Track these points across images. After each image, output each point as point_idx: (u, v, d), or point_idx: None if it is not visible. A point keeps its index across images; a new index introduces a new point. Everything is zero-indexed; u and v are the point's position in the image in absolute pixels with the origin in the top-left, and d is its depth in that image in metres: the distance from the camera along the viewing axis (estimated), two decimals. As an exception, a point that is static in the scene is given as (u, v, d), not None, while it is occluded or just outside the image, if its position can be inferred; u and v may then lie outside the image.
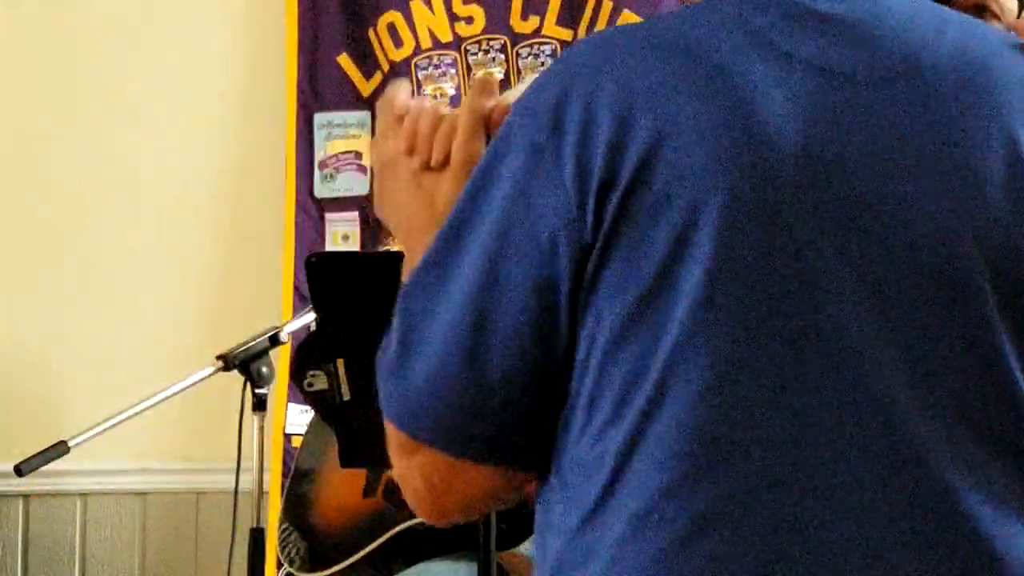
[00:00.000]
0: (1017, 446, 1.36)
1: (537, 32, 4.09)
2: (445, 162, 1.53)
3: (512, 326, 1.34)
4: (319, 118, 4.19)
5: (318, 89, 4.19)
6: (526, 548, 2.92)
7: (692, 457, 1.30)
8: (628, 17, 4.00)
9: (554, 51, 4.08)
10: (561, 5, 4.06)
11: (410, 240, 1.53)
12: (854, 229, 1.32)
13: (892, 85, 1.36)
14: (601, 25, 4.02)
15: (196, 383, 2.94)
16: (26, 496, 4.08)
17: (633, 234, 1.31)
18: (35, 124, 4.21)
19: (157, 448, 4.05)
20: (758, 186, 1.31)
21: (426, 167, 1.53)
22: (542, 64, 4.07)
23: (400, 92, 1.57)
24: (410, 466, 1.41)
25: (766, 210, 1.31)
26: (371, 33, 4.16)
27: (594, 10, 4.03)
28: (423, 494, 1.42)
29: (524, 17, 4.10)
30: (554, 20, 4.07)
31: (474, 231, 1.36)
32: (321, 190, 4.18)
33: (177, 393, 3.06)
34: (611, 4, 4.02)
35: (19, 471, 3.17)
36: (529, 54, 4.10)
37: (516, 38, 4.11)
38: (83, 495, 4.05)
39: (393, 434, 1.41)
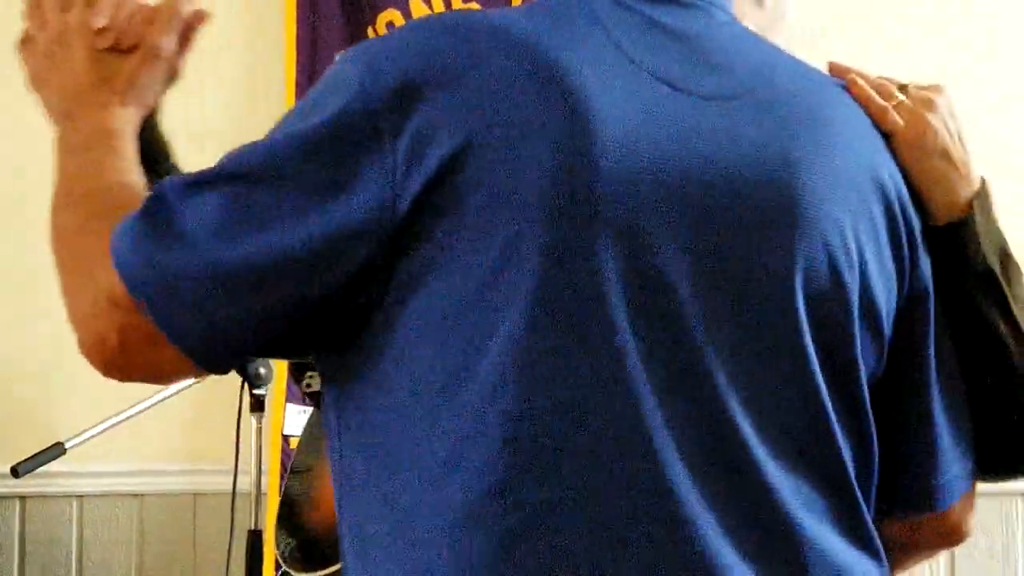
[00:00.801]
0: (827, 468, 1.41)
1: (537, 31, 4.06)
2: (134, 48, 1.59)
3: (303, 249, 1.32)
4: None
5: (317, 87, 4.16)
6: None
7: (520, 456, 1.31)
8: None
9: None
10: (561, 3, 4.04)
11: (75, 108, 1.56)
12: (701, 247, 1.35)
13: (732, 104, 1.40)
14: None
15: (193, 384, 2.92)
16: (23, 498, 4.06)
17: (468, 226, 1.31)
18: (28, 120, 4.17)
19: (155, 449, 4.03)
20: (587, 199, 1.31)
21: (113, 48, 1.59)
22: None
23: None
24: (108, 317, 1.39)
25: (592, 229, 1.31)
26: (370, 31, 4.14)
27: (595, 9, 4.01)
28: (112, 347, 1.40)
29: (524, 16, 4.07)
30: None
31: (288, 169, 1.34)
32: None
33: (174, 395, 3.04)
34: (612, 3, 3.99)
35: (15, 472, 3.16)
36: (529, 53, 4.07)
37: (516, 37, 4.08)
38: (80, 496, 4.03)
39: (106, 279, 1.38)
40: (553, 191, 1.31)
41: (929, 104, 1.58)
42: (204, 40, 4.49)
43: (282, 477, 3.71)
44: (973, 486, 1.56)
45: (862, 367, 1.43)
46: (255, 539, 2.81)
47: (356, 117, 1.34)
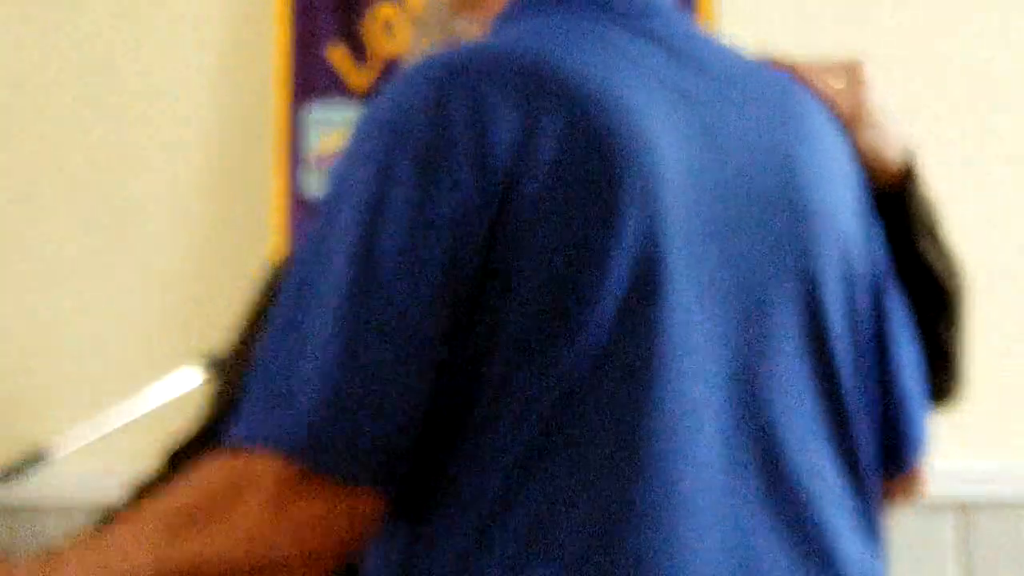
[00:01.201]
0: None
1: (537, 27, 4.02)
2: None
3: (408, 338, 1.29)
4: (309, 111, 4.13)
5: (308, 82, 4.14)
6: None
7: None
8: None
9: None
10: (562, -3, 3.99)
11: None
12: (728, 245, 1.40)
13: (736, 107, 1.46)
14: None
15: (187, 390, 2.90)
16: (13, 511, 3.99)
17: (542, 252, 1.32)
18: (8, 113, 4.15)
19: (145, 455, 3.96)
20: (656, 217, 1.35)
21: None
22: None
23: None
24: (301, 507, 1.28)
25: (664, 242, 1.35)
26: (364, 25, 4.13)
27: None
28: (344, 535, 1.30)
29: (524, 12, 4.02)
30: (555, 13, 4.00)
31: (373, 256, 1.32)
32: (312, 186, 4.13)
33: (164, 403, 3.01)
34: None
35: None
36: (528, 49, 4.03)
37: (514, 32, 4.03)
38: (65, 509, 3.96)
39: (270, 469, 1.27)
40: (615, 211, 1.33)
41: (857, 82, 1.65)
42: (193, 32, 4.46)
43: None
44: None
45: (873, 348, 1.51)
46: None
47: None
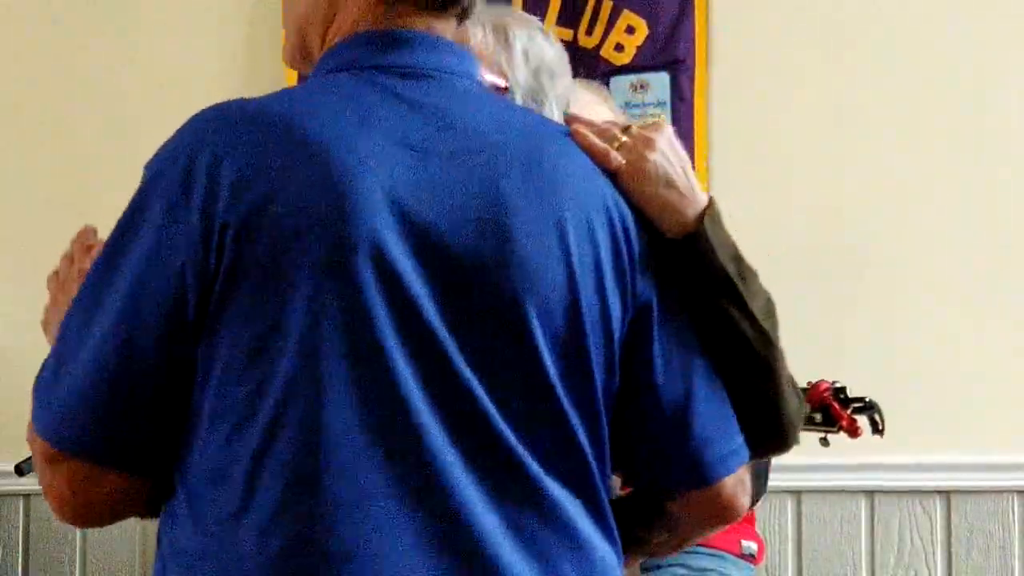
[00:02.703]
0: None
1: (537, 32, 4.10)
2: None
3: (146, 346, 1.61)
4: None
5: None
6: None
7: (304, 470, 1.58)
8: (628, 17, 4.00)
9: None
10: (561, 5, 4.07)
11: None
12: (443, 285, 1.62)
13: (461, 160, 1.65)
14: (601, 25, 4.03)
15: None
16: (27, 496, 4.08)
17: (248, 287, 1.59)
18: (22, 118, 4.22)
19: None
20: (353, 252, 1.58)
21: None
22: (542, 64, 4.07)
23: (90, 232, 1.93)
24: (55, 475, 1.67)
25: (359, 271, 1.58)
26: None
27: (594, 10, 4.04)
28: (68, 499, 1.68)
29: (524, 17, 4.10)
30: (554, 20, 4.07)
31: (120, 270, 1.63)
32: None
33: None
34: (611, 4, 4.02)
35: (20, 471, 3.17)
36: (529, 54, 4.10)
37: (516, 38, 4.11)
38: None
39: (39, 446, 1.67)
40: (320, 250, 1.58)
41: (648, 142, 1.78)
42: (202, 39, 4.48)
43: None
44: (744, 468, 1.79)
45: (597, 383, 1.68)
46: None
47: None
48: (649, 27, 4.00)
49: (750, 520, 3.08)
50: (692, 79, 3.97)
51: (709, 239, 1.79)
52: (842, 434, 2.66)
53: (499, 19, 2.02)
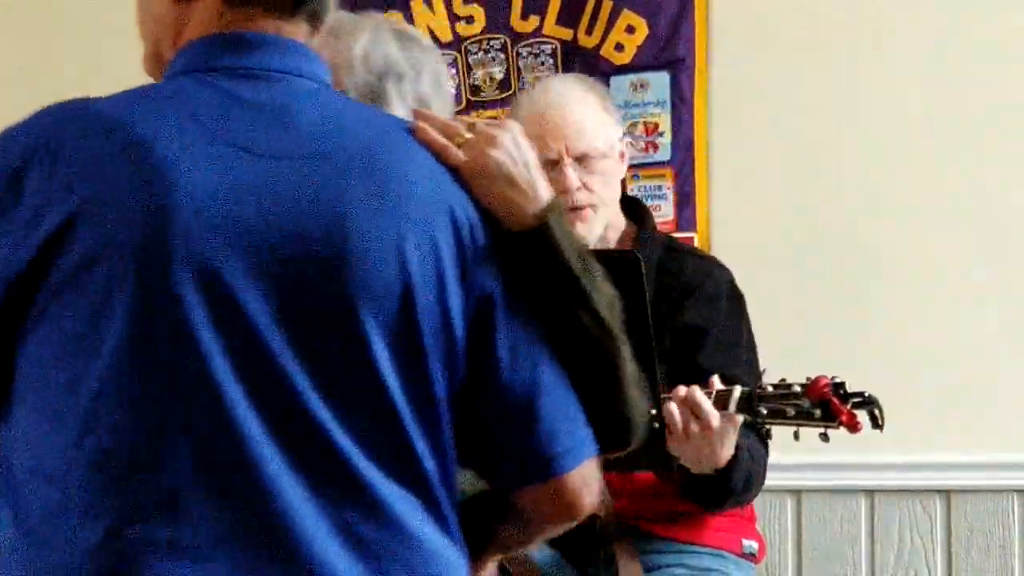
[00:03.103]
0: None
1: (537, 32, 4.10)
2: None
3: None
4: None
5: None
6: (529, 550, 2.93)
7: (116, 465, 1.60)
8: (628, 17, 4.01)
9: (554, 51, 4.09)
10: (561, 5, 4.07)
11: None
12: (270, 282, 1.63)
13: (297, 161, 1.67)
14: (601, 25, 4.03)
15: None
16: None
17: (69, 283, 1.61)
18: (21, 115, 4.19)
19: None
20: (171, 249, 1.61)
21: None
22: (542, 64, 4.08)
23: None
24: None
25: (176, 268, 1.61)
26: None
27: (594, 10, 4.04)
28: None
29: (524, 17, 4.11)
30: (554, 20, 4.08)
31: None
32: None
33: None
34: (611, 4, 4.02)
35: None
36: (529, 53, 4.11)
37: (516, 38, 4.12)
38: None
39: None
40: (140, 246, 1.60)
41: (490, 139, 1.82)
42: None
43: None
44: (591, 463, 1.80)
45: (436, 382, 1.70)
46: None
47: None
48: (649, 27, 4.00)
49: (751, 519, 3.08)
50: (692, 79, 3.98)
51: (550, 236, 1.81)
52: (842, 429, 2.66)
53: (340, 21, 2.02)
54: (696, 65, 3.97)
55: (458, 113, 4.13)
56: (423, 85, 2.06)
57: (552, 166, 2.97)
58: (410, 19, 4.15)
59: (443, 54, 4.12)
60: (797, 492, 3.82)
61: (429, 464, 1.70)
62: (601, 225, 3.00)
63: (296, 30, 1.77)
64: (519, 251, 1.80)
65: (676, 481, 2.85)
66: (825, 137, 3.86)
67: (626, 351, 1.85)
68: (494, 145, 1.82)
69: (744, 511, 3.03)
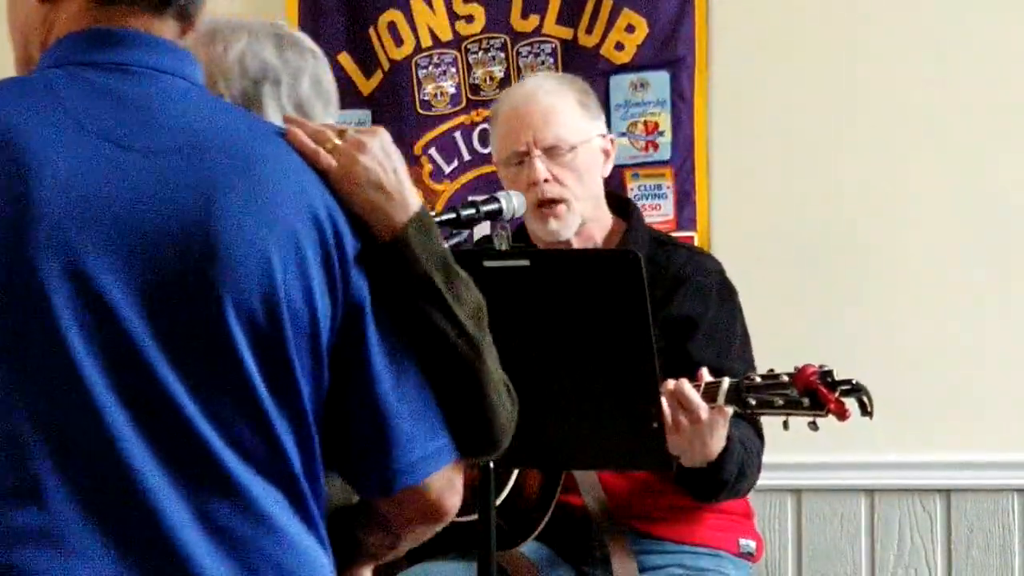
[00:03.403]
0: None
1: (537, 31, 4.10)
2: None
3: None
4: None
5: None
6: (526, 549, 2.93)
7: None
8: (628, 16, 4.01)
9: (554, 50, 4.08)
10: (561, 4, 4.07)
11: None
12: (136, 276, 1.65)
13: (167, 157, 1.68)
14: (601, 24, 4.03)
15: None
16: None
17: None
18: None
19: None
20: (37, 240, 1.63)
21: None
22: (542, 63, 4.08)
23: None
24: None
25: (37, 258, 1.62)
26: (371, 32, 4.17)
27: (594, 9, 4.04)
28: None
29: (524, 16, 4.11)
30: (554, 19, 4.08)
31: None
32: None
33: None
34: (611, 3, 4.02)
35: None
36: (529, 53, 4.11)
37: (516, 37, 4.11)
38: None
39: None
40: (4, 236, 1.62)
41: (360, 146, 1.83)
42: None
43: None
44: (452, 467, 1.82)
45: (302, 380, 1.71)
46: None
47: None
48: (649, 26, 4.00)
49: (748, 517, 3.08)
50: (692, 78, 3.98)
51: (412, 244, 1.83)
52: (831, 418, 2.66)
53: (218, 25, 2.03)
54: (696, 64, 3.97)
55: (459, 112, 4.15)
56: (302, 88, 2.05)
57: (522, 158, 2.97)
58: (410, 19, 4.15)
59: (442, 53, 4.16)
60: (797, 491, 3.82)
61: (295, 460, 1.71)
62: (575, 220, 2.98)
63: (164, 28, 1.78)
64: (383, 260, 1.81)
65: (670, 477, 2.85)
66: (825, 137, 3.86)
67: (491, 358, 1.87)
68: (363, 151, 1.83)
69: (741, 509, 3.03)
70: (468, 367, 1.85)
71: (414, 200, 1.86)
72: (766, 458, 2.94)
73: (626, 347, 2.36)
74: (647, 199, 3.94)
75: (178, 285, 1.66)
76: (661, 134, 3.99)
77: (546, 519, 2.85)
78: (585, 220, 3.00)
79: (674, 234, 3.72)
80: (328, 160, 1.80)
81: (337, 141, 1.83)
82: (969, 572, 3.75)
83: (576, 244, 3.00)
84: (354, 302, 1.76)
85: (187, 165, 1.69)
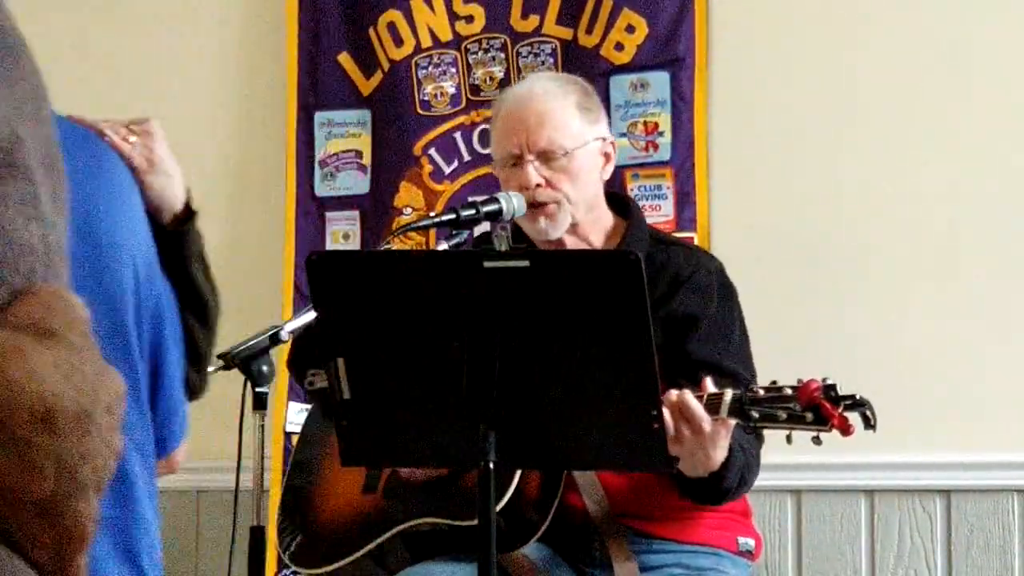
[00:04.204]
0: None
1: (537, 31, 4.10)
2: None
3: None
4: (319, 117, 4.20)
5: (318, 88, 4.21)
6: (527, 550, 2.93)
7: None
8: (628, 16, 4.01)
9: (554, 50, 4.09)
10: (561, 4, 4.07)
11: None
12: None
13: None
14: (601, 24, 4.03)
15: None
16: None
17: None
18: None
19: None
20: None
21: None
22: (542, 63, 4.08)
23: None
24: None
25: None
26: (371, 32, 4.18)
27: (594, 9, 4.04)
28: None
29: (524, 16, 4.11)
30: (554, 19, 4.08)
31: None
32: (321, 189, 4.20)
33: None
34: (611, 3, 4.02)
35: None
36: (529, 53, 4.11)
37: (516, 37, 4.12)
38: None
39: None
40: None
41: (150, 136, 1.93)
42: (205, 43, 4.51)
43: (284, 474, 3.74)
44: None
45: (140, 366, 1.79)
46: (258, 535, 2.84)
47: None
48: (649, 26, 4.00)
49: (747, 515, 3.08)
50: (692, 78, 3.98)
51: (192, 227, 1.94)
52: (835, 432, 2.66)
53: None
54: (696, 64, 3.98)
55: (459, 113, 4.15)
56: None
57: (516, 161, 2.96)
58: (410, 19, 4.15)
59: (442, 54, 4.16)
60: (797, 492, 3.82)
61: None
62: (566, 220, 2.97)
63: None
64: (170, 245, 1.90)
65: (670, 477, 2.85)
66: (825, 137, 3.86)
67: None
68: (155, 140, 1.90)
69: (740, 507, 3.03)
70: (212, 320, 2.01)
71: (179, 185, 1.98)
72: (766, 458, 2.94)
73: (626, 348, 2.36)
74: (647, 199, 3.94)
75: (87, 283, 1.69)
76: (661, 134, 3.99)
77: (547, 523, 2.85)
78: (578, 221, 2.99)
79: (674, 234, 3.72)
80: (138, 156, 1.90)
81: (132, 138, 1.93)
82: (969, 573, 3.74)
83: (569, 243, 3.00)
84: (160, 285, 1.81)
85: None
